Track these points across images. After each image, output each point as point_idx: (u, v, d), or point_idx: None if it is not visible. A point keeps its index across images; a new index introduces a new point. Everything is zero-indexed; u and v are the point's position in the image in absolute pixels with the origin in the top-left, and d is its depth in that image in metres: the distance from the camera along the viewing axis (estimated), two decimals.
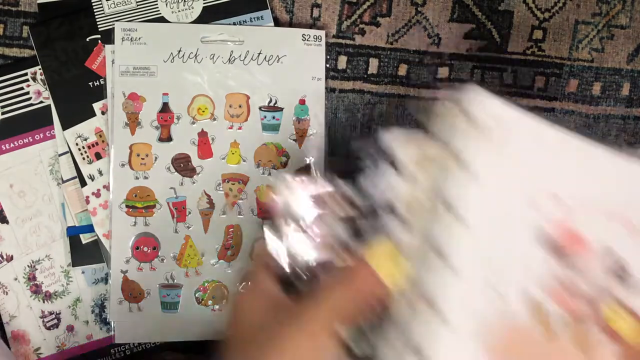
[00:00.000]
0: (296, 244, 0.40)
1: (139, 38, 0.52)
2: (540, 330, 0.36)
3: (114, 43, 0.52)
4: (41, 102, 0.53)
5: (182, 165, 0.53)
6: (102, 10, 0.53)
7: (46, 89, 0.52)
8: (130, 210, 0.52)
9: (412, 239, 0.36)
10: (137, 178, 0.52)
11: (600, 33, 0.56)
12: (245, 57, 0.53)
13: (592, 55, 0.56)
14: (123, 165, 0.52)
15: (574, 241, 0.37)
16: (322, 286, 0.36)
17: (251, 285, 0.40)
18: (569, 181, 0.38)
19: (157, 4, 0.53)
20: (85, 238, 0.53)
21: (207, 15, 0.53)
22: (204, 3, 0.53)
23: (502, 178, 0.37)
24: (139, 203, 0.53)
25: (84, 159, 0.53)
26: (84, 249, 0.53)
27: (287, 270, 0.40)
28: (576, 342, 0.36)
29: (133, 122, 0.52)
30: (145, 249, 0.53)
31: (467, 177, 0.36)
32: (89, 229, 0.53)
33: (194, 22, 0.53)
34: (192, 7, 0.53)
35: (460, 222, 0.36)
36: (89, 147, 0.53)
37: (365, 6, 0.55)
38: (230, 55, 0.53)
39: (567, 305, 0.37)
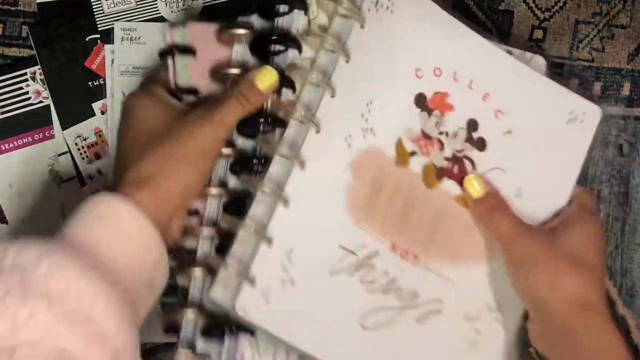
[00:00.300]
0: (191, 67, 0.45)
1: (139, 38, 0.52)
2: (396, 158, 0.45)
3: (113, 43, 0.52)
4: (40, 102, 0.53)
5: None
6: (102, 9, 0.52)
7: (45, 89, 0.52)
8: None
9: (302, 62, 0.43)
10: None
11: (601, 33, 0.56)
12: None
13: (592, 54, 0.56)
14: None
15: (444, 107, 0.46)
16: (219, 95, 0.42)
17: (144, 90, 0.44)
18: (452, 60, 0.46)
19: (156, 4, 0.53)
20: None
21: (207, 16, 0.53)
22: (204, 3, 0.53)
23: (393, 44, 0.45)
24: None
25: (83, 159, 0.53)
26: None
27: (178, 85, 0.45)
28: (423, 176, 0.45)
29: None
30: None
31: (363, 33, 0.44)
32: None
33: None
34: (192, 7, 0.53)
35: (346, 57, 0.43)
36: (88, 147, 0.53)
37: None
38: None
39: (427, 152, 0.45)
